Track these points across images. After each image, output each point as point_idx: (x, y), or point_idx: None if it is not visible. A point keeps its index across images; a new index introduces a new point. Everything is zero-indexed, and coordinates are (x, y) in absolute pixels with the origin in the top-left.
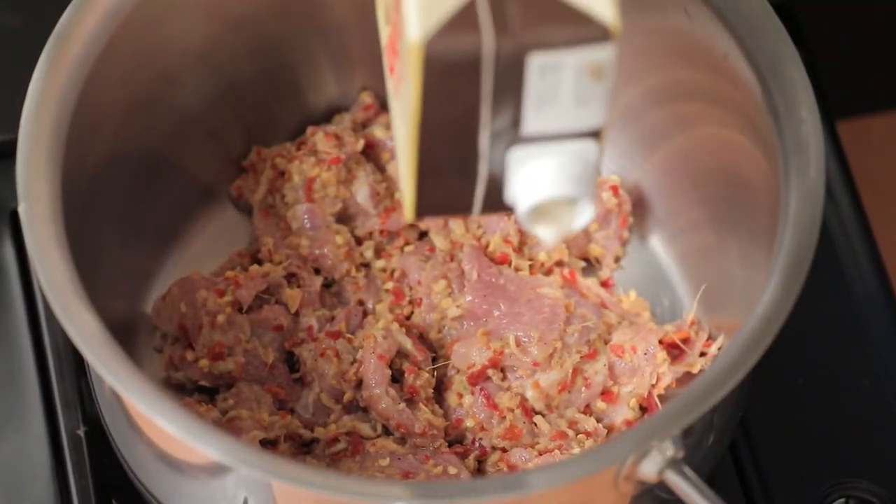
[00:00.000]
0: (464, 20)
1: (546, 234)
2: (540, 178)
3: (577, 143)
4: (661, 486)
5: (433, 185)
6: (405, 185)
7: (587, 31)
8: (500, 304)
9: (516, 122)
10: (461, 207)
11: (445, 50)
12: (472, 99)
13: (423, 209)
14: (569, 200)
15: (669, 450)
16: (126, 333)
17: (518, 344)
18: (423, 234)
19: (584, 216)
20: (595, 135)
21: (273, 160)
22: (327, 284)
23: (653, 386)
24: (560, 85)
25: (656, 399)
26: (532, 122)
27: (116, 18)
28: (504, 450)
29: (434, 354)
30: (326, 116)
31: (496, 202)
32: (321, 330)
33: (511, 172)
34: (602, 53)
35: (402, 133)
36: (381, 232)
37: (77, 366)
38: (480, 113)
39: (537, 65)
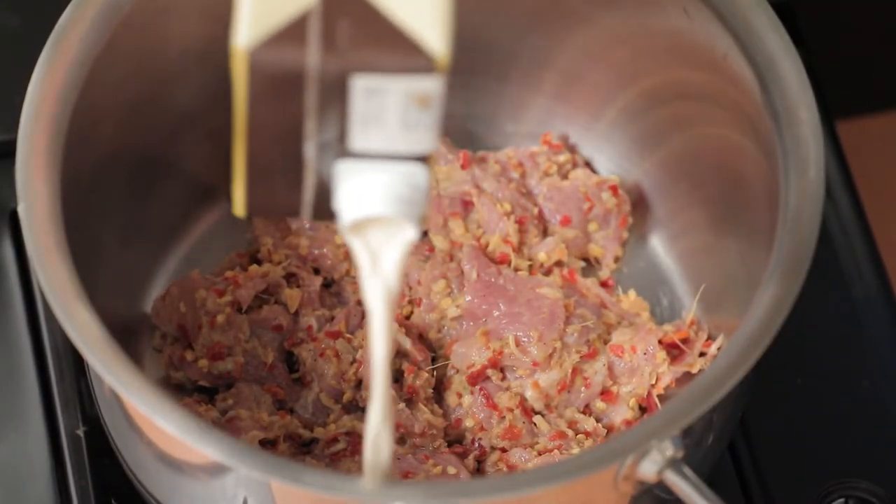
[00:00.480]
0: (292, 34)
1: (363, 252)
2: (365, 194)
3: (406, 166)
4: (661, 486)
5: (261, 185)
6: (236, 181)
7: (414, 61)
8: (499, 304)
9: (343, 136)
10: (290, 210)
11: (270, 60)
12: (297, 109)
13: (252, 207)
14: (392, 220)
15: (669, 450)
16: (126, 333)
17: (518, 344)
18: (422, 234)
19: (406, 238)
20: (424, 160)
21: None
22: (327, 284)
23: (652, 386)
24: (386, 108)
25: (656, 399)
26: (358, 139)
27: (116, 18)
28: (504, 450)
29: (434, 354)
30: None
31: (325, 210)
32: (321, 330)
33: (337, 184)
34: (428, 85)
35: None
36: None
37: (77, 366)
38: (306, 123)
39: (362, 86)
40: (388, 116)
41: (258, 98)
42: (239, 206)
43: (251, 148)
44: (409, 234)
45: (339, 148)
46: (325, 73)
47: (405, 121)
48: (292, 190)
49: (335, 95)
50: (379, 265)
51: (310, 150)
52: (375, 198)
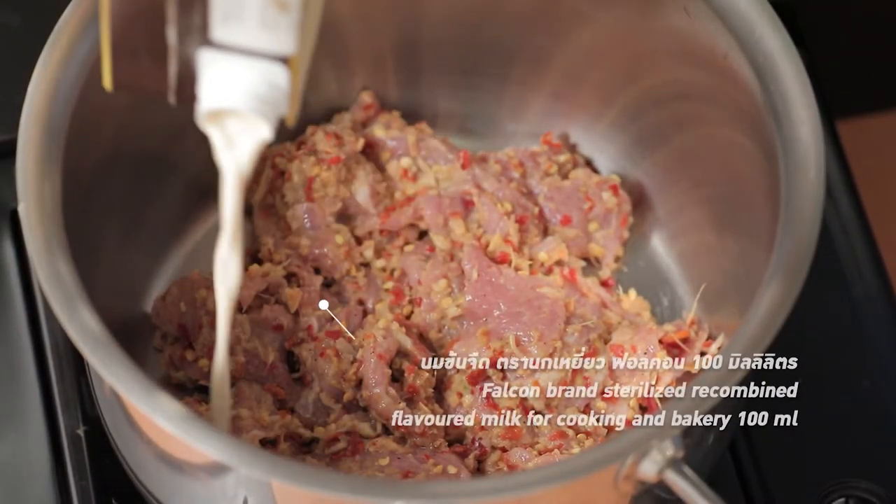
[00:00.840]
0: None
1: (219, 136)
2: (225, 86)
3: (267, 65)
4: (661, 485)
5: (127, 62)
6: (103, 55)
7: None
8: (500, 304)
9: (204, 26)
10: (156, 89)
11: None
12: None
13: (118, 82)
14: (248, 116)
15: (669, 450)
16: (126, 333)
17: (518, 343)
18: (423, 234)
19: (261, 135)
20: (285, 61)
21: (273, 160)
22: (327, 284)
23: (653, 386)
24: (244, 6)
25: (656, 399)
26: (219, 30)
27: None
28: (504, 449)
29: (434, 354)
30: (326, 116)
31: (189, 94)
32: (321, 329)
33: (200, 71)
34: None
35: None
36: (381, 231)
37: (77, 366)
38: (167, 8)
39: None
40: (247, 14)
41: None
42: (106, 79)
43: (113, 26)
44: (264, 132)
45: (200, 36)
46: None
47: (264, 20)
48: (156, 70)
49: None
50: (234, 146)
51: (171, 35)
52: (235, 92)
